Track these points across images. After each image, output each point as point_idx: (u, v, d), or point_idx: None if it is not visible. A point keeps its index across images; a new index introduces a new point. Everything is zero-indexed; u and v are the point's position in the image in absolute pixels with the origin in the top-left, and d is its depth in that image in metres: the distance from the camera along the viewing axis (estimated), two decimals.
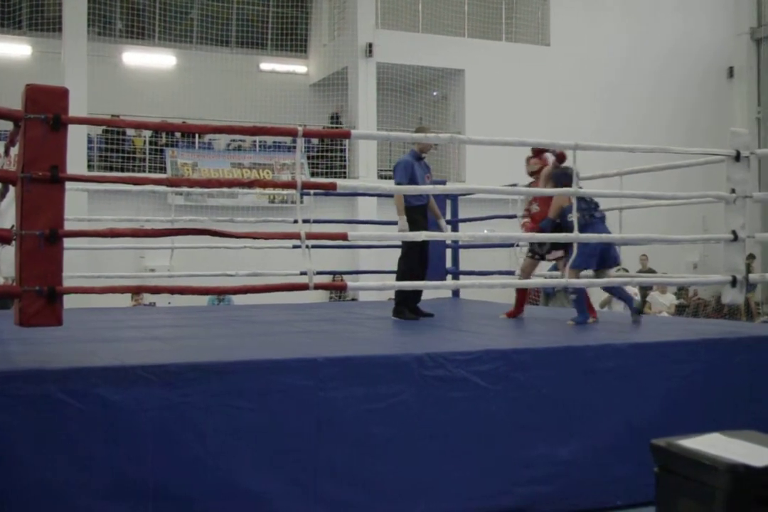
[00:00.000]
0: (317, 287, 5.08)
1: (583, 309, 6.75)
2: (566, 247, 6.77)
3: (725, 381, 5.35)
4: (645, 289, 14.20)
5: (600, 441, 4.89)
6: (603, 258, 6.63)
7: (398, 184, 6.92)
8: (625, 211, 8.61)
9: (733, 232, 6.15)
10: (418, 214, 7.09)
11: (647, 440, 3.48)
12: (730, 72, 21.43)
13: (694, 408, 5.17)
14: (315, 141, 18.64)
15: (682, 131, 19.15)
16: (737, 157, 6.14)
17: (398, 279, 7.04)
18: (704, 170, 8.01)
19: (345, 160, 18.59)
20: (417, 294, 7.30)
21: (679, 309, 16.38)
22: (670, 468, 3.28)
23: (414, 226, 6.94)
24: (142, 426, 3.97)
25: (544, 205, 7.03)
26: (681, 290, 17.59)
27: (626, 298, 6.90)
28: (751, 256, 17.72)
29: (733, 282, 6.15)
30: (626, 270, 12.35)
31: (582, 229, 6.18)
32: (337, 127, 17.93)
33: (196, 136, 17.71)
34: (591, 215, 6.60)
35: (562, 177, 6.58)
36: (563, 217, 6.72)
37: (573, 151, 5.97)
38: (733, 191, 6.18)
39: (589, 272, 6.94)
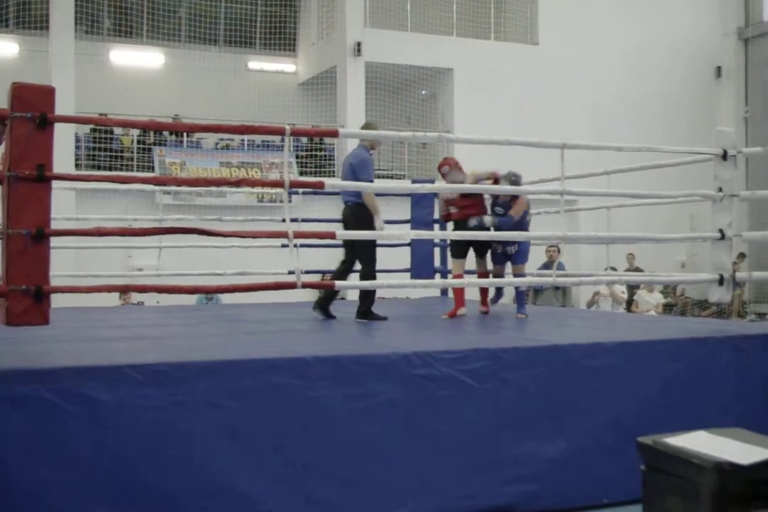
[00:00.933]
0: (305, 286, 5.08)
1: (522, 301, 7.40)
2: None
3: (712, 379, 5.37)
4: (632, 288, 14.23)
5: (587, 440, 4.91)
6: None
7: (370, 181, 6.79)
8: (613, 210, 8.64)
9: (720, 231, 6.17)
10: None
11: (634, 438, 3.49)
12: (718, 71, 21.48)
13: (681, 406, 5.19)
14: (304, 140, 18.63)
15: (670, 130, 19.19)
16: (724, 156, 6.16)
17: (369, 278, 6.81)
18: (692, 169, 8.06)
19: (333, 159, 18.58)
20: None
21: (667, 308, 16.42)
22: (657, 466, 3.30)
23: (369, 224, 6.82)
24: (130, 426, 3.96)
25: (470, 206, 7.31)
26: (667, 288, 17.63)
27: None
28: (742, 255, 17.78)
29: (720, 281, 6.17)
30: (614, 269, 12.38)
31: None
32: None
33: (185, 134, 17.67)
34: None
35: (519, 181, 7.19)
36: (523, 219, 7.26)
37: (561, 150, 5.98)
38: (720, 190, 6.20)
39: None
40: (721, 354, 5.45)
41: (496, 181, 7.25)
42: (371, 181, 6.81)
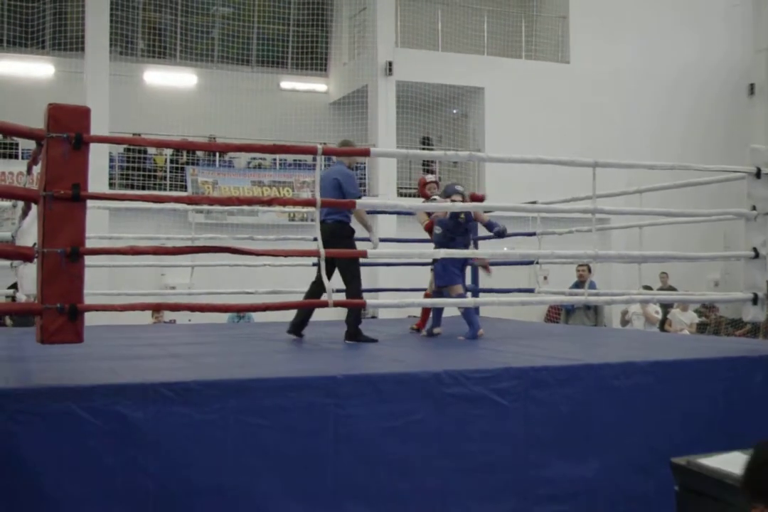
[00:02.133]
0: (336, 305, 5.09)
1: (472, 321, 7.15)
2: None
3: (746, 399, 5.31)
4: (666, 307, 14.11)
5: (620, 460, 4.86)
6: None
7: (359, 197, 6.80)
8: (645, 228, 8.58)
9: (754, 249, 6.11)
10: None
11: (667, 458, 3.47)
12: (751, 89, 21.36)
13: (714, 426, 5.13)
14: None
15: (703, 148, 19.08)
16: (758, 174, 6.11)
17: (354, 297, 6.70)
18: (726, 187, 8.01)
19: (365, 178, 18.64)
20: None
21: (701, 328, 16.24)
22: (691, 486, 3.27)
23: (350, 242, 6.82)
24: (161, 444, 3.98)
25: None
26: (705, 307, 17.42)
27: (470, 321, 7.24)
28: None
29: (755, 300, 6.11)
30: (650, 288, 12.29)
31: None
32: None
33: (217, 154, 17.80)
34: (451, 237, 7.27)
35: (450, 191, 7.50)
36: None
37: (593, 168, 5.96)
38: (754, 208, 6.15)
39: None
40: (755, 374, 5.39)
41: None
42: (359, 197, 6.80)
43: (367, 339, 6.71)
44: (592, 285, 10.23)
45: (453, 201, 7.30)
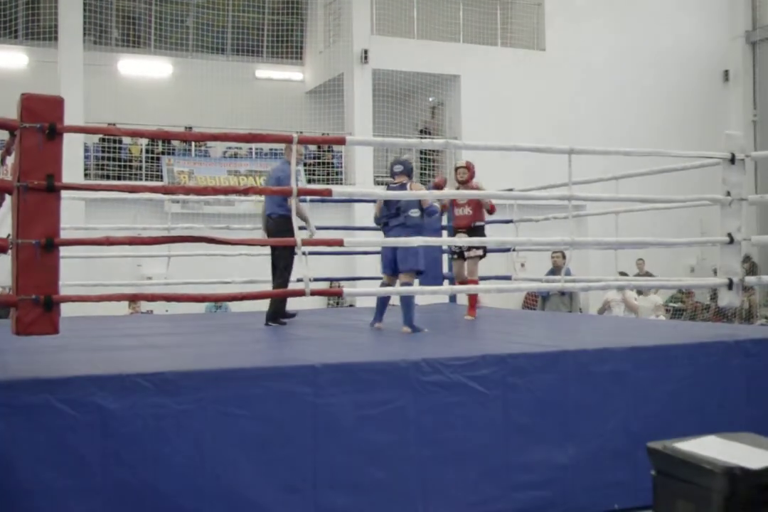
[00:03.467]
0: (314, 293, 5.08)
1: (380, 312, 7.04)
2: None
3: (722, 383, 5.36)
4: (640, 293, 14.16)
5: (597, 445, 4.90)
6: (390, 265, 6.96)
7: None
8: (622, 215, 8.61)
9: (729, 235, 6.15)
10: None
11: (644, 443, 3.48)
12: (726, 75, 21.44)
13: (691, 411, 5.18)
14: (312, 148, 18.64)
15: (678, 134, 19.14)
16: (732, 160, 6.15)
17: (283, 286, 7.05)
18: (701, 173, 8.04)
19: (341, 167, 18.60)
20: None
21: (678, 313, 16.32)
22: (667, 471, 3.29)
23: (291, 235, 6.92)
24: (139, 434, 3.97)
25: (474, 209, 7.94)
26: (681, 293, 17.53)
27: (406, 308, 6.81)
28: (748, 259, 17.66)
29: (730, 285, 6.15)
30: (625, 274, 12.34)
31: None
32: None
33: (193, 143, 17.70)
34: (385, 223, 6.99)
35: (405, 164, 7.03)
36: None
37: (568, 155, 5.97)
38: (728, 194, 6.18)
39: None
40: (731, 359, 5.43)
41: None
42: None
43: (282, 323, 7.20)
44: (568, 272, 10.28)
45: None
